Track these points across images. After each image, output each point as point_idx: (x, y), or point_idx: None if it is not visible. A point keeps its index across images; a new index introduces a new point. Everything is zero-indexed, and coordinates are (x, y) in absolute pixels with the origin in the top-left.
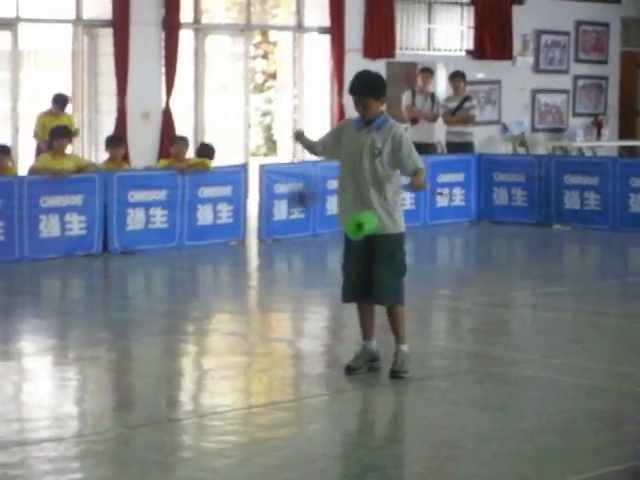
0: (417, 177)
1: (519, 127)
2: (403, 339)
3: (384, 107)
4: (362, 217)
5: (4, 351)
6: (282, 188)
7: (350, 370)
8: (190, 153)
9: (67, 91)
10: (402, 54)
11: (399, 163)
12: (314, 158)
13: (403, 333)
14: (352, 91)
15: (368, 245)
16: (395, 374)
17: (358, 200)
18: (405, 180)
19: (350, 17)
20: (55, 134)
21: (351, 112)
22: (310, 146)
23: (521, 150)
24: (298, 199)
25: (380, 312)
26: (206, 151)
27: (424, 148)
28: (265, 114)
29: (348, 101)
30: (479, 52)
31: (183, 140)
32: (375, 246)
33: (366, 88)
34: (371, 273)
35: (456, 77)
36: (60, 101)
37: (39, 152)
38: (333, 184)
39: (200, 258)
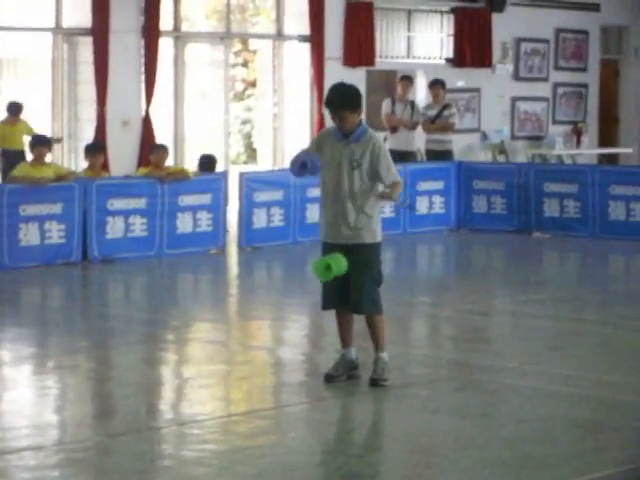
0: (392, 191)
1: (499, 135)
2: (382, 347)
3: (362, 117)
4: (331, 259)
5: None
6: (262, 196)
7: (330, 378)
8: (170, 161)
9: (47, 99)
10: (382, 62)
11: (377, 175)
12: None
13: (383, 341)
14: (327, 104)
15: (345, 254)
16: (375, 382)
17: (338, 213)
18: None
19: (330, 25)
20: (34, 143)
21: (330, 121)
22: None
23: (501, 158)
24: (300, 166)
25: (358, 320)
26: (208, 163)
27: (404, 156)
28: (245, 122)
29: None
30: (459, 60)
31: (163, 148)
32: (352, 255)
33: (341, 101)
34: (349, 282)
35: (436, 85)
36: (13, 109)
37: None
38: (313, 192)
39: (180, 266)
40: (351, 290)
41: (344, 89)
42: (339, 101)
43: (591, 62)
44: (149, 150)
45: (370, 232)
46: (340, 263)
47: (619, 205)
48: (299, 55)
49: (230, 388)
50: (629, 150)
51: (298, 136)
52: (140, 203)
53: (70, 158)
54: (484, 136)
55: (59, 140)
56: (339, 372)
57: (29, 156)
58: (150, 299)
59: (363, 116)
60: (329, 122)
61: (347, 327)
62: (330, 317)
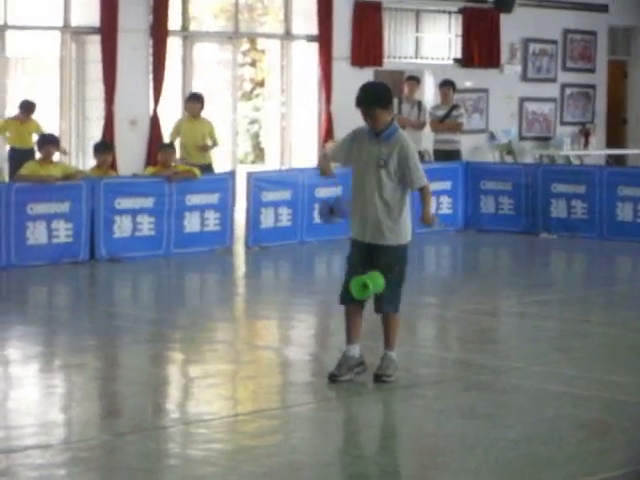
0: (425, 210)
1: (506, 135)
2: (392, 346)
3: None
4: (367, 278)
5: None
6: (269, 196)
7: (333, 378)
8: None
9: (55, 98)
10: (390, 62)
11: (404, 177)
12: (302, 166)
13: (394, 340)
14: (359, 103)
15: (370, 251)
16: (378, 377)
17: (364, 211)
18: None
19: (338, 25)
20: (42, 141)
21: (338, 120)
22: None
23: (508, 158)
24: (328, 212)
25: (367, 320)
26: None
27: None
28: (253, 122)
29: (335, 109)
30: (467, 60)
31: (170, 147)
32: (375, 255)
33: (372, 99)
34: None
35: (445, 85)
36: (26, 107)
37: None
38: (321, 192)
39: (187, 266)
40: None
41: (374, 87)
42: (369, 99)
43: (599, 63)
44: (157, 149)
45: (394, 234)
46: (377, 281)
47: (627, 206)
48: (307, 55)
49: (237, 387)
50: (637, 151)
51: (306, 136)
52: (148, 202)
53: (78, 157)
54: (492, 136)
55: (65, 152)
56: (342, 371)
57: (38, 155)
58: (157, 298)
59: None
60: (337, 121)
61: (356, 324)
62: (337, 317)
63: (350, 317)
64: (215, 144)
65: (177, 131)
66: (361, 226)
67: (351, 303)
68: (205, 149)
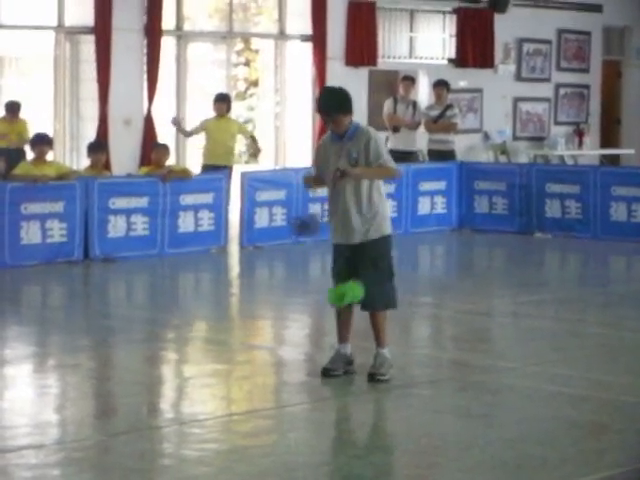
0: (361, 170)
1: (501, 135)
2: (383, 343)
3: (365, 117)
4: (345, 288)
5: None
6: (264, 195)
7: (327, 372)
8: (171, 161)
9: (49, 97)
10: (384, 62)
11: (370, 160)
12: (296, 166)
13: (383, 337)
14: (320, 110)
15: (354, 252)
16: (372, 376)
17: (343, 214)
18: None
19: (332, 25)
20: (36, 141)
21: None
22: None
23: (502, 158)
24: (300, 227)
25: (358, 319)
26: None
27: (405, 156)
28: (247, 121)
29: None
30: (461, 60)
31: (164, 147)
32: (359, 253)
33: (333, 106)
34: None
35: (440, 85)
36: (11, 108)
37: None
38: (315, 192)
39: (181, 265)
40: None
41: (334, 94)
42: (331, 107)
43: (593, 63)
44: (151, 149)
45: (375, 228)
46: (355, 291)
47: (620, 206)
48: (301, 55)
49: (231, 387)
50: (631, 151)
51: (300, 135)
52: (142, 202)
53: (72, 156)
54: (486, 136)
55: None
56: (335, 366)
57: (29, 154)
58: (151, 298)
59: (365, 116)
60: None
61: (347, 323)
62: (331, 317)
63: (339, 318)
64: (251, 137)
65: (202, 128)
66: (344, 230)
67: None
68: (254, 150)
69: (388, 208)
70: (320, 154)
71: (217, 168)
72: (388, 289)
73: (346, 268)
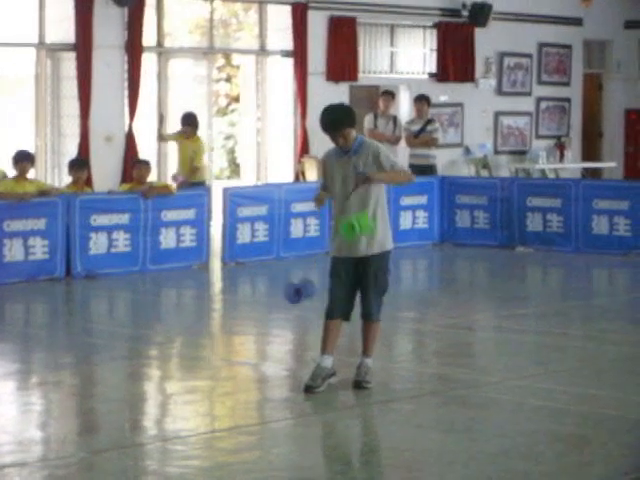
0: (380, 175)
1: (482, 149)
2: (370, 353)
3: None
4: (353, 219)
5: None
6: (245, 211)
7: (308, 389)
8: (153, 177)
9: (30, 114)
10: (365, 77)
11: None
12: (278, 181)
13: (373, 348)
14: (328, 129)
15: (353, 267)
16: (358, 384)
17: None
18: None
19: (313, 40)
20: (18, 158)
21: (314, 135)
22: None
23: (484, 172)
24: (293, 293)
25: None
26: (191, 120)
27: None
28: (228, 137)
29: (310, 124)
30: (442, 75)
31: (145, 164)
32: (361, 268)
33: (339, 123)
34: (353, 293)
35: (420, 100)
36: None
37: None
38: (297, 207)
39: (163, 282)
40: (364, 299)
41: (339, 110)
42: (337, 124)
43: (574, 76)
44: (132, 166)
45: (379, 243)
46: (363, 222)
47: (602, 219)
48: (282, 70)
49: (214, 404)
50: (612, 164)
51: (282, 151)
52: (123, 219)
53: (53, 173)
54: (467, 151)
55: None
56: (318, 382)
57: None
58: (134, 315)
59: None
60: (312, 136)
61: (335, 335)
62: (314, 332)
63: (330, 330)
64: (197, 165)
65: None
66: (347, 244)
67: (336, 318)
68: (193, 170)
69: (389, 225)
70: (326, 170)
71: (193, 184)
72: (380, 302)
73: (349, 280)
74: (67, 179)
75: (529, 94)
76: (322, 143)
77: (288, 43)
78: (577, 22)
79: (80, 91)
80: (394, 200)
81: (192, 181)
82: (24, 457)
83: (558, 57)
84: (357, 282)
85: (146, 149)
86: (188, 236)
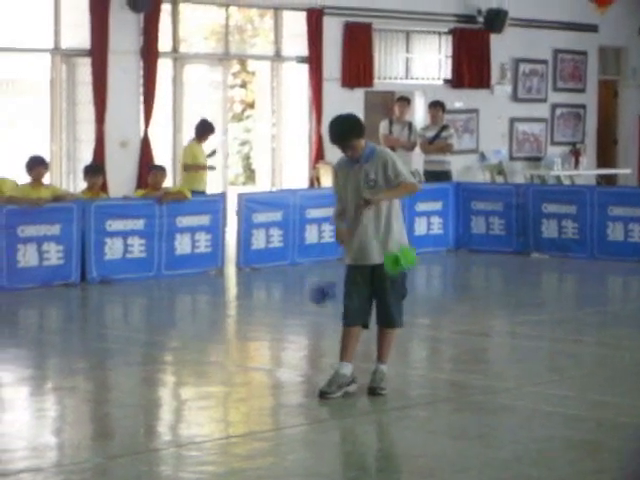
0: (385, 193)
1: (497, 156)
2: (386, 359)
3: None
4: (399, 253)
5: None
6: (260, 217)
7: (322, 395)
8: (168, 182)
9: (45, 120)
10: (380, 83)
11: (390, 182)
12: (293, 187)
13: (388, 354)
14: (336, 141)
15: (370, 274)
16: (372, 390)
17: (361, 236)
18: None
19: (328, 46)
20: (32, 163)
21: (329, 141)
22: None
23: (499, 179)
24: (318, 295)
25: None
26: (205, 127)
27: None
28: (243, 143)
29: (326, 130)
30: (457, 81)
31: (161, 169)
32: (377, 275)
33: (348, 135)
34: (370, 300)
35: (435, 106)
36: None
37: None
38: (312, 213)
39: (178, 287)
40: (383, 306)
41: (345, 122)
42: (345, 135)
43: (589, 83)
44: (148, 171)
45: (392, 247)
46: (408, 256)
47: (617, 226)
48: (297, 76)
49: (228, 410)
50: (627, 171)
51: (297, 157)
52: (138, 224)
53: (68, 179)
54: (482, 157)
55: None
56: (332, 389)
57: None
58: (149, 320)
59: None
60: (327, 143)
61: (355, 342)
62: (329, 338)
63: (349, 337)
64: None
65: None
66: (361, 253)
67: (355, 325)
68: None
69: (404, 232)
70: (338, 179)
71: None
72: (401, 308)
73: (366, 287)
74: (82, 185)
75: (544, 100)
76: (336, 150)
77: (303, 49)
78: (592, 29)
79: (95, 96)
80: (409, 206)
81: (192, 188)
82: (39, 463)
83: (573, 63)
84: (374, 289)
85: (161, 155)
86: (203, 242)
